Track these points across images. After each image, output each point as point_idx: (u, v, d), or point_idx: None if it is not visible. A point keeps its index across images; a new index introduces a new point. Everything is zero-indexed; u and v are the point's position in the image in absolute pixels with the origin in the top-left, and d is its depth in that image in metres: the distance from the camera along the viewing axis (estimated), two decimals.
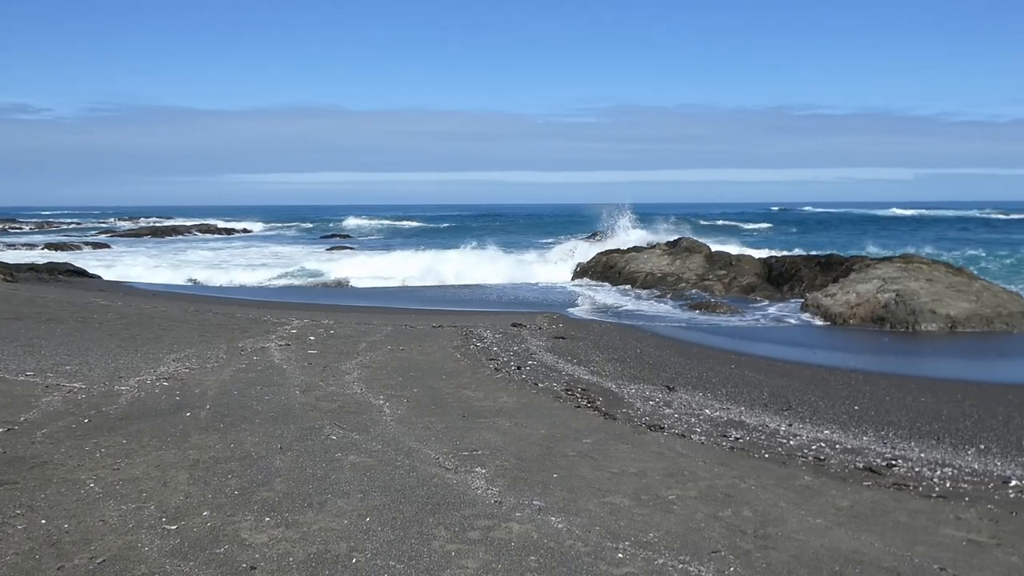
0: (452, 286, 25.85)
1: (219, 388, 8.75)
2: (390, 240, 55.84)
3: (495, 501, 5.52)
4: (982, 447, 7.79)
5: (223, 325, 13.66)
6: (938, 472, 6.84)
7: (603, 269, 25.20)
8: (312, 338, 12.51)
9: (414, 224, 77.62)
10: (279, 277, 29.36)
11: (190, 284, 26.62)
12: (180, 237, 63.10)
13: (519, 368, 10.82)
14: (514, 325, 14.88)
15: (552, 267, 29.65)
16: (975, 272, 20.82)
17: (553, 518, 5.23)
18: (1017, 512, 5.75)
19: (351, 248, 45.81)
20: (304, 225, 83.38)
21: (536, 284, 26.21)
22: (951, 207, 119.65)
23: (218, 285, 26.51)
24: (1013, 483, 6.57)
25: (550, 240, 51.65)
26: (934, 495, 6.13)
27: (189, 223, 77.05)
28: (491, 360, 11.29)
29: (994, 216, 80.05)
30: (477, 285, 26.05)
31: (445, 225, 74.34)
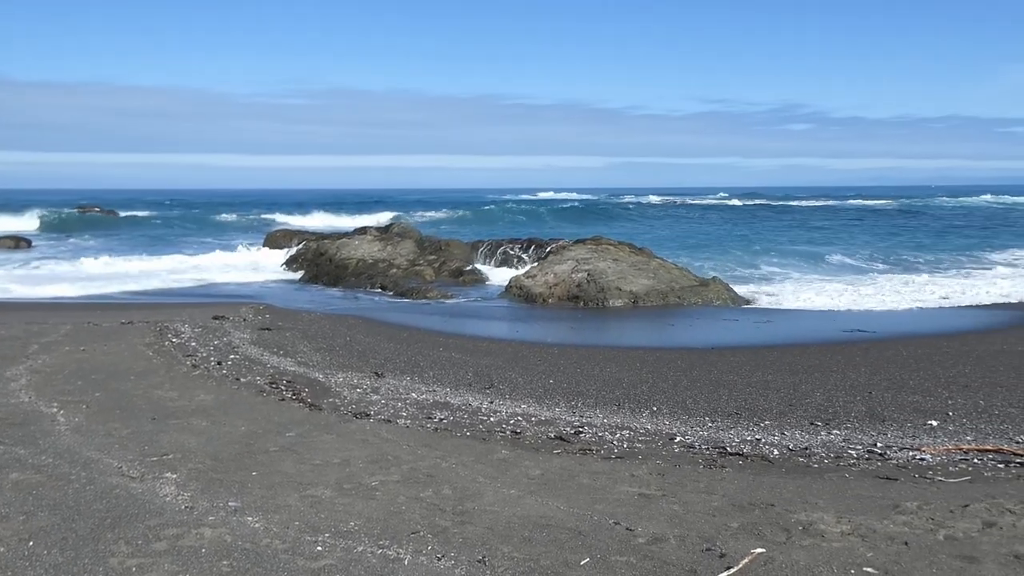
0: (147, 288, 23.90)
1: None
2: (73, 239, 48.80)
3: (186, 507, 5.17)
4: (655, 409, 8.71)
5: None
6: (618, 435, 7.53)
7: (314, 257, 24.66)
8: None
9: (97, 212, 67.50)
10: None
11: None
12: None
13: (220, 363, 10.25)
14: (216, 318, 14.07)
15: (259, 255, 28.49)
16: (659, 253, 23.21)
17: (250, 518, 5.02)
18: (680, 465, 6.50)
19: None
20: None
21: (245, 273, 25.04)
22: (632, 193, 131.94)
23: None
24: (678, 439, 7.42)
25: (246, 229, 49.48)
26: (613, 456, 6.74)
27: None
28: (188, 356, 10.58)
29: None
30: (170, 277, 24.31)
31: (145, 213, 67.29)
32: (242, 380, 9.35)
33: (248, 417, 7.58)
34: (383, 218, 49.64)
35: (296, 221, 54.42)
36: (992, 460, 6.62)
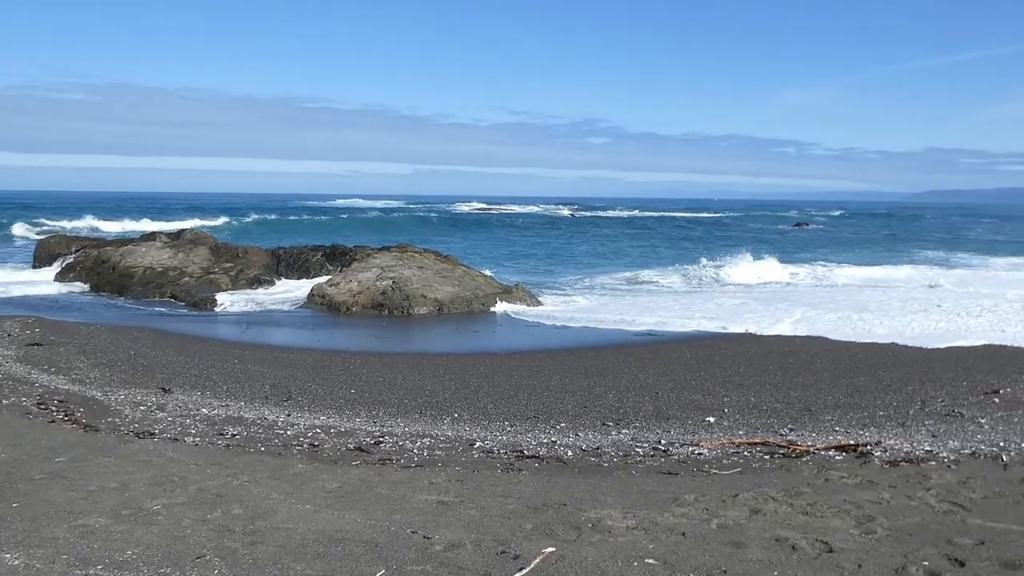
0: None
1: None
2: None
3: None
4: (456, 415, 8.78)
5: None
6: (418, 443, 7.52)
7: (94, 265, 22.77)
8: None
9: None
10: None
11: None
12: None
13: None
14: None
15: (29, 264, 25.94)
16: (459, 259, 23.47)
17: (8, 555, 4.52)
18: (478, 470, 6.59)
19: None
20: None
21: (11, 284, 22.66)
22: (443, 200, 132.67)
23: None
24: (477, 444, 7.53)
25: (14, 235, 45.06)
26: (413, 465, 6.72)
27: None
28: None
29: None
30: None
31: None
32: (3, 402, 8.45)
33: (10, 443, 6.85)
34: (176, 224, 46.76)
35: (73, 226, 50.04)
36: (760, 452, 7.24)
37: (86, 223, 52.87)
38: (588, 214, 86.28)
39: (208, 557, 4.58)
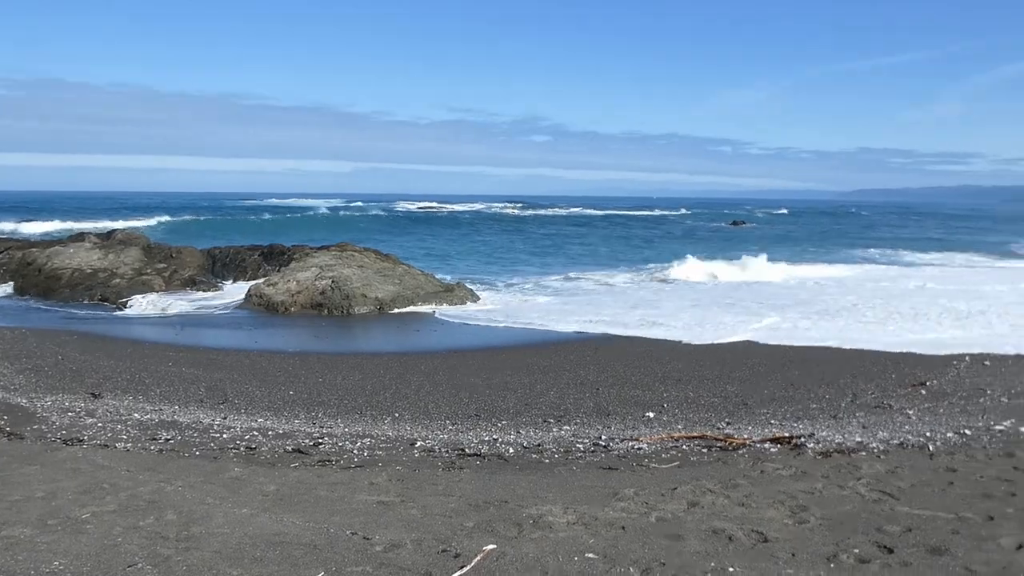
0: None
1: None
2: None
3: None
4: (397, 415, 8.72)
5: None
6: (358, 444, 7.44)
7: (18, 267, 21.95)
8: None
9: None
10: None
11: None
12: None
13: None
14: None
15: None
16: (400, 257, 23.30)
17: None
18: (419, 469, 6.55)
19: None
20: None
21: None
22: (385, 199, 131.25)
23: None
24: (418, 443, 7.48)
25: None
26: (353, 465, 6.64)
27: None
28: None
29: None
30: None
31: None
32: None
33: None
34: (107, 224, 45.29)
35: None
36: (698, 446, 7.35)
37: (7, 225, 50.91)
38: (532, 212, 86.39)
39: (140, 565, 4.45)
